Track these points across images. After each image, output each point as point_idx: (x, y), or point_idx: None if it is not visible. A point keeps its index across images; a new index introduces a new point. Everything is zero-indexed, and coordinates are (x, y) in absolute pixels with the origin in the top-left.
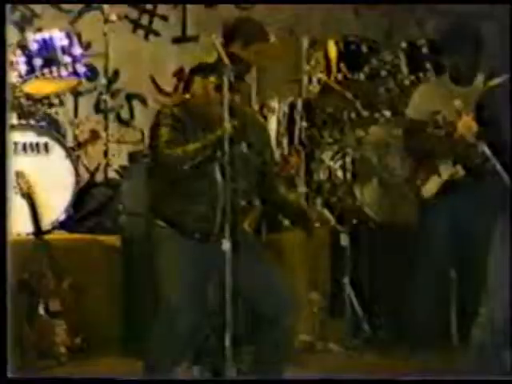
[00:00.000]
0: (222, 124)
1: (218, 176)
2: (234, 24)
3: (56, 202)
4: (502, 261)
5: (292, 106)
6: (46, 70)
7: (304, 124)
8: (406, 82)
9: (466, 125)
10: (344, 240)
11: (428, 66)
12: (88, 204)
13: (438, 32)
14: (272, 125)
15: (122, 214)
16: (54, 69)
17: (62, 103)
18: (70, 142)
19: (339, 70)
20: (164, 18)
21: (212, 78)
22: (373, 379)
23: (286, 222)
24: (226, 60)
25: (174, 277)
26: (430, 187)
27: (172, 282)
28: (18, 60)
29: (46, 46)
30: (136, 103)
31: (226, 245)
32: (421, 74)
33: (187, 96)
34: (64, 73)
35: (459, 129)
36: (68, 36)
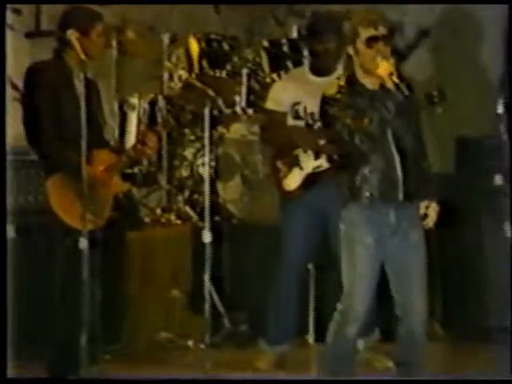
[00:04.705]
0: None
1: None
2: (66, 12)
3: None
4: (360, 253)
5: (153, 103)
6: None
7: (165, 121)
8: (268, 80)
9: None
10: (206, 237)
11: (289, 64)
12: None
13: (299, 29)
14: (132, 121)
15: None
16: None
17: None
18: None
19: (201, 67)
20: (17, 12)
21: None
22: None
23: (147, 220)
24: (82, 56)
25: None
26: (292, 180)
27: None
28: None
29: None
30: None
31: (84, 243)
32: (282, 72)
33: None
34: None
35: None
36: None
